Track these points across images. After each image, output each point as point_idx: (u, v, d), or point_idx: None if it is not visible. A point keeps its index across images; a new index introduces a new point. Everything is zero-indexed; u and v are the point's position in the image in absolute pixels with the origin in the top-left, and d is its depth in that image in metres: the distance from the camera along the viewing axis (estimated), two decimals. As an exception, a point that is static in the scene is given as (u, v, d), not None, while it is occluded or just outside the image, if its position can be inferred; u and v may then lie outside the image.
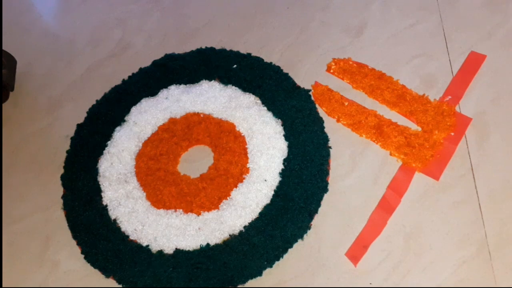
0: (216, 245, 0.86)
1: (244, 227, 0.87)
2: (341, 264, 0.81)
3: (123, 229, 0.91)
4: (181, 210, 0.91)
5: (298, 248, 0.84)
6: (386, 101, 0.96)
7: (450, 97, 0.94)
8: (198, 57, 1.11)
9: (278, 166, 0.92)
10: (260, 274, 0.83)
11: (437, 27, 1.04)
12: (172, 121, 1.02)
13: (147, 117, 1.03)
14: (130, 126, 1.03)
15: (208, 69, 1.08)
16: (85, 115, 1.08)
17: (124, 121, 1.04)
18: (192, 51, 1.13)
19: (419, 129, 0.92)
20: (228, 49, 1.11)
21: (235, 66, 1.07)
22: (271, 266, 0.83)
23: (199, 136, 1.00)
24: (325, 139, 0.94)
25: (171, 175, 0.96)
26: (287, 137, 0.95)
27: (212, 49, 1.12)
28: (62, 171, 1.01)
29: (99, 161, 1.00)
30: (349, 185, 0.89)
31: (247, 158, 0.94)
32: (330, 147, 0.93)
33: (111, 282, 0.87)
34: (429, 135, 0.90)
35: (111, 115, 1.06)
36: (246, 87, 1.04)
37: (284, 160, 0.92)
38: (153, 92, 1.07)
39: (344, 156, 0.92)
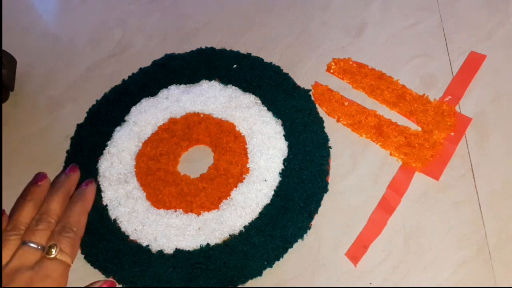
0: (216, 245, 0.86)
1: (244, 227, 0.87)
2: (341, 264, 0.81)
3: (123, 229, 0.91)
4: (181, 210, 0.91)
5: (298, 248, 0.84)
6: (386, 101, 0.96)
7: (450, 97, 0.94)
8: (198, 57, 1.11)
9: (278, 166, 0.92)
10: (260, 274, 0.83)
11: (437, 27, 1.04)
12: (172, 121, 1.02)
13: (147, 117, 1.03)
14: (130, 126, 1.03)
15: (208, 69, 1.08)
16: (85, 115, 1.08)
17: (124, 121, 1.04)
18: (192, 51, 1.13)
19: (419, 129, 0.92)
20: (228, 49, 1.11)
21: (235, 66, 1.07)
22: (271, 266, 0.83)
23: (199, 136, 1.00)
24: (325, 139, 0.94)
25: (171, 175, 0.96)
26: (287, 137, 0.95)
27: (212, 49, 1.12)
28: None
29: (99, 161, 1.00)
30: (349, 185, 0.89)
31: (247, 158, 0.94)
32: (330, 147, 0.93)
33: (111, 282, 0.87)
34: (429, 135, 0.90)
35: (111, 115, 1.06)
36: (246, 87, 1.03)
37: (284, 160, 0.92)
38: (153, 92, 1.07)
39: (344, 156, 0.92)
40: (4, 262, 0.69)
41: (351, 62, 1.03)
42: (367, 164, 0.90)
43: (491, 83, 0.94)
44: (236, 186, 0.92)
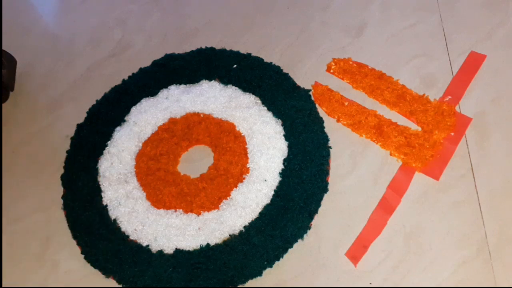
0: (216, 245, 0.86)
1: (244, 227, 0.87)
2: (341, 264, 0.81)
3: (123, 229, 0.91)
4: (181, 210, 0.91)
5: (298, 248, 0.84)
6: (386, 101, 0.96)
7: (450, 97, 0.94)
8: (198, 57, 1.11)
9: (278, 166, 0.92)
10: (260, 274, 0.83)
11: (437, 27, 1.04)
12: (172, 121, 1.02)
13: (147, 117, 1.03)
14: (130, 126, 1.03)
15: (208, 69, 1.08)
16: (85, 115, 1.08)
17: (124, 121, 1.04)
18: (192, 51, 1.13)
19: (419, 129, 0.92)
20: (228, 49, 1.11)
21: (235, 66, 1.07)
22: (271, 266, 0.83)
23: (199, 136, 1.00)
24: (325, 139, 0.94)
25: (171, 175, 0.96)
26: (287, 137, 0.95)
27: (212, 49, 1.12)
28: (62, 171, 1.01)
29: (99, 161, 1.00)
30: (349, 185, 0.89)
31: (247, 158, 0.94)
32: (330, 147, 0.93)
33: (111, 282, 0.87)
34: (429, 135, 0.90)
35: (111, 115, 1.06)
36: (246, 87, 1.04)
37: (284, 160, 0.92)
38: (153, 92, 1.07)
39: (344, 156, 0.92)
40: None
41: (351, 62, 1.03)
42: (367, 164, 0.90)
43: (491, 83, 0.94)
44: (236, 186, 0.92)
